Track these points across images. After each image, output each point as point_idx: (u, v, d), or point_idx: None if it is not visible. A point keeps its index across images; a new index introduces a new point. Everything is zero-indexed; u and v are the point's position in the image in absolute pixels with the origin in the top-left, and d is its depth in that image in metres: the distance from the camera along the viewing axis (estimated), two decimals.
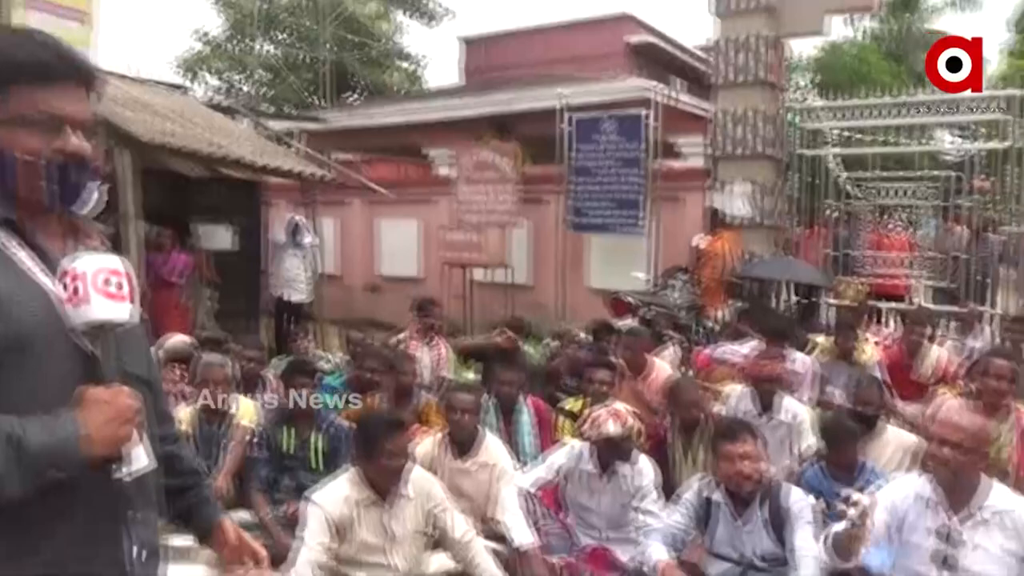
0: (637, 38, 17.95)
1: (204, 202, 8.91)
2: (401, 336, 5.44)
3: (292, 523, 3.50)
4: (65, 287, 1.20)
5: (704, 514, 3.09)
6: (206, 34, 20.35)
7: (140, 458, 1.27)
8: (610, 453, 3.39)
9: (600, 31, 17.94)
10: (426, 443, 3.55)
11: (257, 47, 20.07)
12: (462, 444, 3.53)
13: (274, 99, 20.05)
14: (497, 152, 9.84)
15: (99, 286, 1.20)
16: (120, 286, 1.22)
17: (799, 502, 2.97)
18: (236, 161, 7.93)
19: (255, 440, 3.83)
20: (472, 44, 20.23)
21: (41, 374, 1.19)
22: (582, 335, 5.91)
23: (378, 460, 2.89)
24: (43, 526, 1.18)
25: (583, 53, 16.82)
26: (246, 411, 4.02)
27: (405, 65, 22.10)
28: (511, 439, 3.96)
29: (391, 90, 20.60)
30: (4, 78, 1.22)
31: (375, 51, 20.51)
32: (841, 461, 3.51)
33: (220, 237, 8.75)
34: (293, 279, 8.51)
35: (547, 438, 4.05)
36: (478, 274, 10.13)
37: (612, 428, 3.32)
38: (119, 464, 1.23)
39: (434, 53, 29.73)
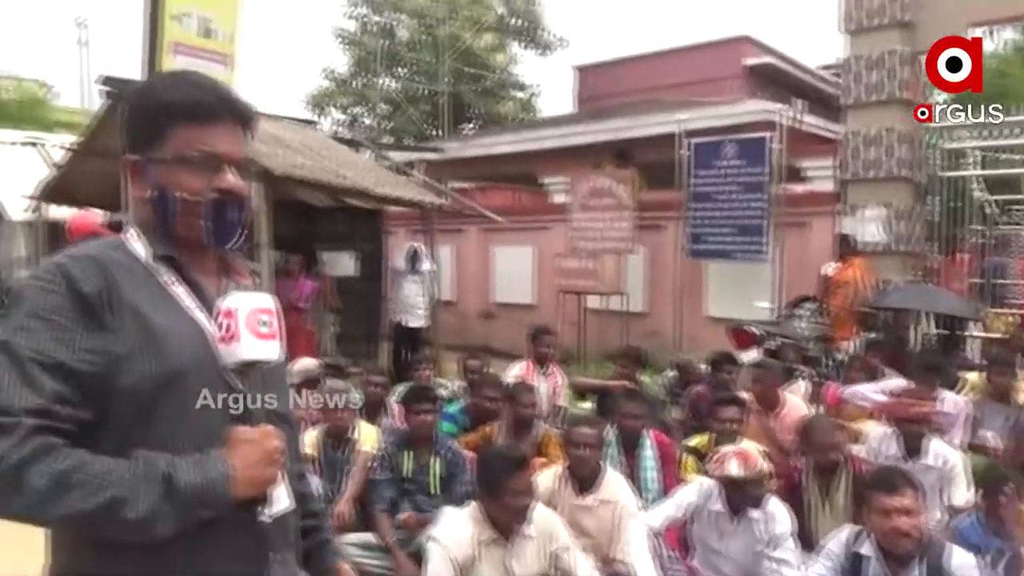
0: (755, 60, 17.47)
1: (329, 230, 9.30)
2: (516, 371, 5.38)
3: (408, 531, 3.52)
4: (220, 325, 1.22)
5: (852, 570, 2.83)
6: (333, 72, 21.48)
7: (282, 499, 1.27)
8: (738, 496, 3.20)
9: (717, 54, 17.58)
10: (546, 477, 3.46)
11: (379, 82, 20.94)
12: (583, 480, 3.42)
13: (394, 131, 20.85)
14: (613, 179, 9.75)
15: (251, 325, 1.21)
16: (269, 325, 1.23)
17: (964, 568, 2.67)
18: (359, 191, 8.20)
19: (376, 463, 3.88)
20: (586, 72, 20.30)
21: (194, 411, 1.20)
22: (702, 367, 5.67)
23: (502, 498, 2.83)
24: (186, 566, 1.18)
25: (699, 77, 16.53)
26: (368, 437, 4.07)
27: (519, 95, 22.45)
28: (633, 474, 3.82)
29: (505, 120, 20.95)
30: (164, 119, 1.26)
31: (490, 82, 20.95)
32: (1001, 514, 3.15)
33: (344, 264, 9.09)
34: (412, 305, 8.69)
35: (670, 475, 3.87)
36: (593, 301, 10.02)
37: (735, 469, 3.13)
38: (263, 505, 1.22)
39: (547, 82, 30.12)
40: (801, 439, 3.82)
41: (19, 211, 10.41)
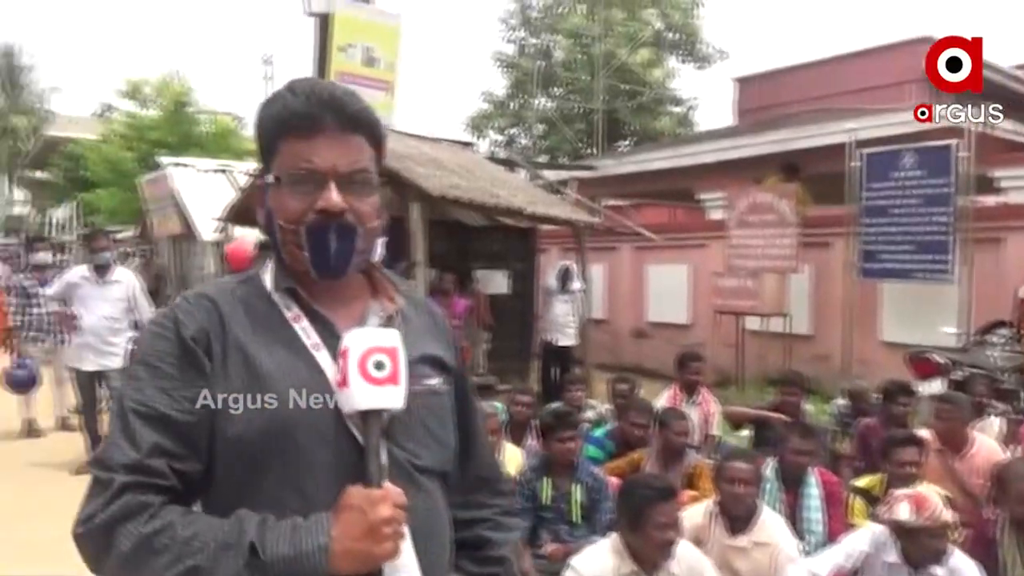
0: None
1: (483, 249, 9.48)
2: (663, 400, 5.14)
3: (553, 562, 3.41)
4: (339, 367, 1.08)
5: None
6: (491, 95, 22.09)
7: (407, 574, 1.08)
8: (914, 548, 2.84)
9: (893, 58, 16.26)
10: (695, 512, 3.24)
11: (535, 103, 21.27)
12: (736, 519, 3.17)
13: (549, 150, 21.08)
14: (776, 193, 9.24)
15: (363, 368, 1.06)
16: (385, 367, 1.06)
17: None
18: (512, 210, 8.30)
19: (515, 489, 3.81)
20: (746, 83, 19.49)
21: (306, 465, 1.07)
22: (875, 396, 5.16)
23: (644, 530, 2.68)
24: None
25: (872, 84, 15.35)
26: (512, 458, 4.04)
27: (676, 110, 22.00)
28: (794, 515, 3.51)
29: (662, 136, 20.58)
30: (270, 135, 1.15)
31: (647, 98, 20.68)
32: None
33: (497, 282, 9.22)
34: (562, 324, 8.65)
35: (837, 518, 3.52)
36: (752, 322, 9.51)
37: (907, 515, 2.79)
38: None
39: (705, 96, 29.36)
40: (996, 486, 3.35)
41: (209, 232, 11.44)
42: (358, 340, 1.08)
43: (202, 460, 1.07)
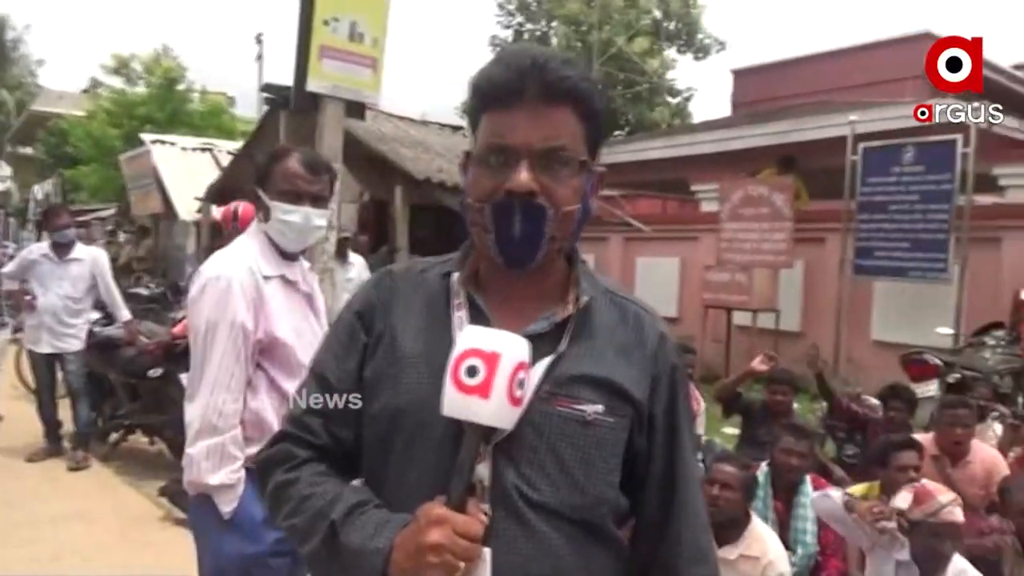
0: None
1: (460, 235, 9.22)
2: None
3: None
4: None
5: None
6: None
7: None
8: (914, 544, 2.64)
9: (893, 53, 16.07)
10: None
11: None
12: (720, 528, 2.94)
13: None
14: (770, 187, 9.02)
15: (454, 371, 0.96)
16: (474, 372, 0.94)
17: None
18: None
19: None
20: (744, 75, 19.28)
21: (409, 460, 1.04)
22: (873, 400, 4.95)
23: None
24: None
25: (873, 79, 15.17)
26: None
27: (672, 100, 21.78)
28: (785, 524, 3.29)
29: (657, 126, 20.38)
30: (474, 108, 1.07)
31: (643, 88, 20.45)
32: None
33: None
34: None
35: (831, 530, 3.28)
36: (741, 317, 9.32)
37: (903, 503, 2.66)
38: None
39: (701, 87, 29.16)
40: (999, 497, 3.15)
41: (190, 212, 11.16)
42: (465, 339, 0.98)
43: (353, 429, 1.09)
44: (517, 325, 1.02)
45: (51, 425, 5.52)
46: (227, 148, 12.61)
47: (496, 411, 0.93)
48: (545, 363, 1.02)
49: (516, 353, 0.95)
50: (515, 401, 0.95)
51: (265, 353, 1.99)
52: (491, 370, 0.93)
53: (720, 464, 3.06)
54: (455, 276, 1.09)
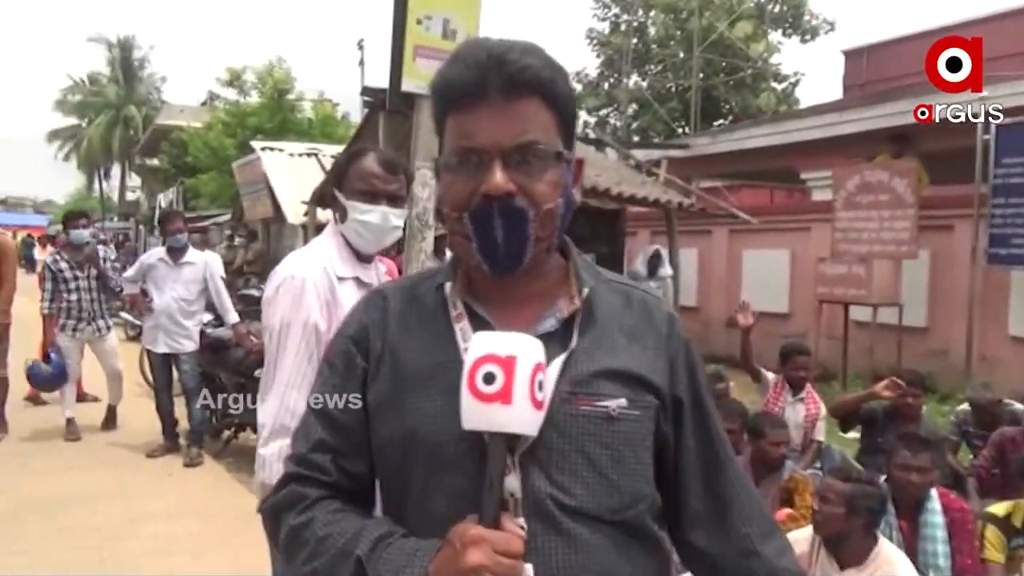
0: None
1: (568, 232, 9.08)
2: (768, 392, 4.63)
3: None
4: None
5: None
6: (582, 74, 21.56)
7: None
8: None
9: (1015, 24, 14.74)
10: (798, 538, 2.70)
11: (625, 81, 20.60)
12: (839, 548, 2.67)
13: (641, 131, 20.39)
14: (890, 171, 8.40)
15: (470, 381, 0.90)
16: (491, 379, 0.88)
17: None
18: (598, 191, 7.89)
19: None
20: (856, 55, 18.19)
21: (428, 484, 0.97)
22: (1018, 405, 4.46)
23: None
24: None
25: (1005, 51, 13.93)
26: None
27: (778, 86, 20.85)
28: (912, 547, 2.97)
29: (762, 113, 19.57)
30: (438, 111, 1.01)
31: (747, 74, 19.68)
32: None
33: None
34: None
35: (966, 552, 2.95)
36: (859, 313, 8.72)
37: None
38: None
39: (810, 71, 27.86)
40: None
41: (297, 215, 11.53)
42: (476, 345, 0.92)
43: (366, 461, 1.04)
44: (522, 327, 0.96)
45: (168, 422, 5.79)
46: (331, 152, 12.97)
47: (520, 416, 0.88)
48: (558, 363, 0.96)
49: (533, 354, 0.90)
50: (538, 404, 0.90)
51: None
52: (509, 374, 0.88)
53: (828, 478, 2.80)
54: (449, 287, 1.04)
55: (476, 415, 0.89)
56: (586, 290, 1.02)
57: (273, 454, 1.87)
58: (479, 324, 0.99)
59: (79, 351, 6.23)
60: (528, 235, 0.96)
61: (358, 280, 2.04)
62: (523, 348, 0.90)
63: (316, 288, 1.92)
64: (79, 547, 4.02)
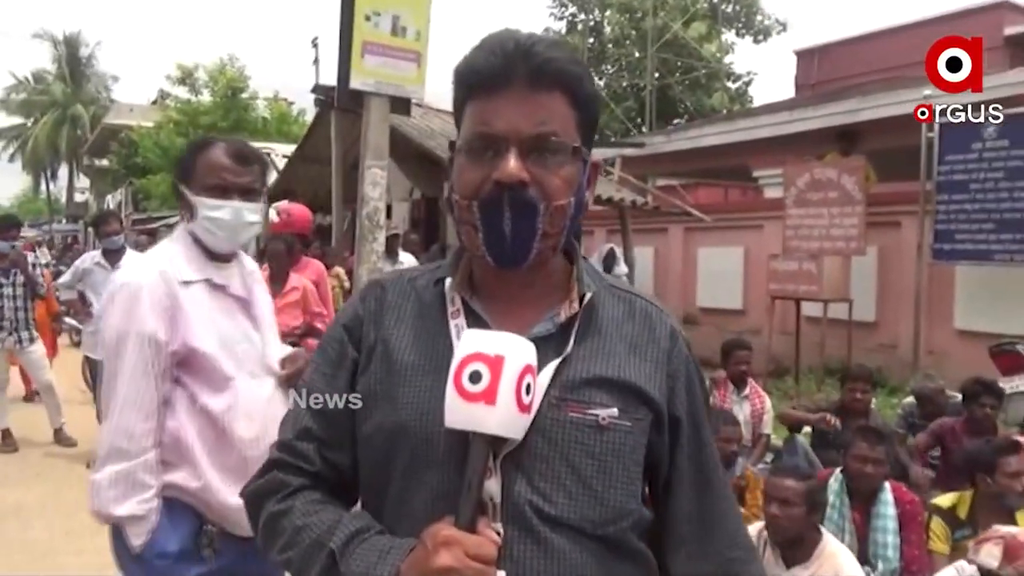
0: (1015, 28, 14.86)
1: None
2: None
3: None
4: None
5: None
6: None
7: None
8: None
9: (969, 25, 15.15)
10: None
11: None
12: (786, 547, 2.66)
13: (598, 129, 20.51)
14: (839, 169, 8.54)
15: (456, 379, 0.89)
16: (477, 378, 0.87)
17: None
18: None
19: None
20: (808, 55, 18.53)
21: (410, 480, 0.95)
22: (959, 397, 4.55)
23: None
24: None
25: None
26: None
27: (731, 85, 21.15)
28: (863, 537, 2.98)
29: (716, 113, 19.84)
30: (457, 97, 1.00)
31: (700, 74, 19.91)
32: None
33: None
34: None
35: (914, 543, 2.98)
36: (811, 308, 8.85)
37: (991, 560, 2.34)
38: None
39: (762, 71, 28.35)
40: None
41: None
42: (466, 343, 0.91)
43: (349, 452, 1.03)
44: (519, 329, 0.95)
45: None
46: (283, 152, 12.75)
47: (504, 419, 0.87)
48: (552, 367, 0.95)
49: (522, 356, 0.89)
50: (523, 408, 0.88)
51: (183, 366, 1.77)
52: (496, 375, 0.87)
53: (777, 478, 2.77)
54: (448, 282, 1.02)
55: (459, 413, 0.87)
56: (588, 295, 1.00)
57: (106, 479, 1.69)
58: (475, 322, 0.98)
59: (5, 359, 6.05)
60: (536, 229, 0.94)
61: (210, 282, 1.84)
62: (512, 349, 0.88)
63: (151, 296, 1.73)
64: (12, 563, 3.85)
